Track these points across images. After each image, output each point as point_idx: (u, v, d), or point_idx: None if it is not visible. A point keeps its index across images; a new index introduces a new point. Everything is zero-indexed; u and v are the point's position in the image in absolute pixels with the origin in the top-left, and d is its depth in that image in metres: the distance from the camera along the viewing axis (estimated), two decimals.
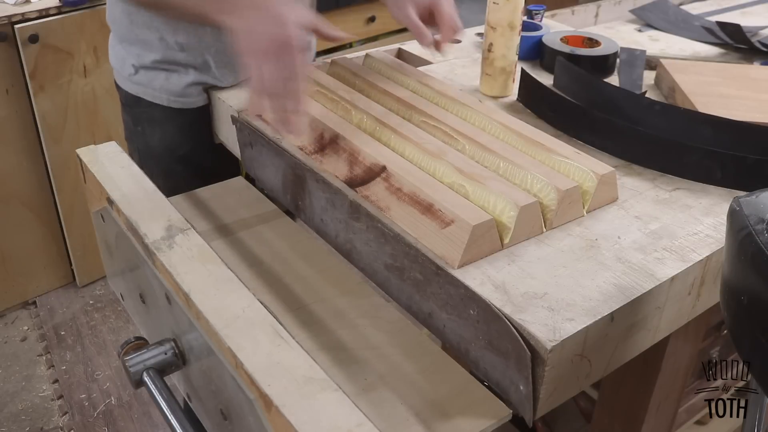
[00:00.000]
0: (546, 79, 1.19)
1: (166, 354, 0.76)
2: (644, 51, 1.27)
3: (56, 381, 1.88)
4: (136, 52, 1.08)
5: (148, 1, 0.95)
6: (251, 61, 0.78)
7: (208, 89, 1.09)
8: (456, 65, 1.23)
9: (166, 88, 1.08)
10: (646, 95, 1.07)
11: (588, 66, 1.18)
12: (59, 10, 1.84)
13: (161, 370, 0.74)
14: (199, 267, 0.72)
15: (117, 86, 1.15)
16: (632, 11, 1.52)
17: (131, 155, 1.13)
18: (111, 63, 1.15)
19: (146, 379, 0.73)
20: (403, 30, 2.63)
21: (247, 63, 0.78)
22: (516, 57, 1.10)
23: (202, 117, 1.12)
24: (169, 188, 1.05)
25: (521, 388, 0.65)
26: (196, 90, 1.09)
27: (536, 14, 1.36)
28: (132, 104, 1.12)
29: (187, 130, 1.12)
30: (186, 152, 1.13)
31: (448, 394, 0.71)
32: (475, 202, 0.75)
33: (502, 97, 1.12)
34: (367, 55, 1.12)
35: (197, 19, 0.91)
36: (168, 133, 1.12)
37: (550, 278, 0.71)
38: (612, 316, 0.67)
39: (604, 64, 1.19)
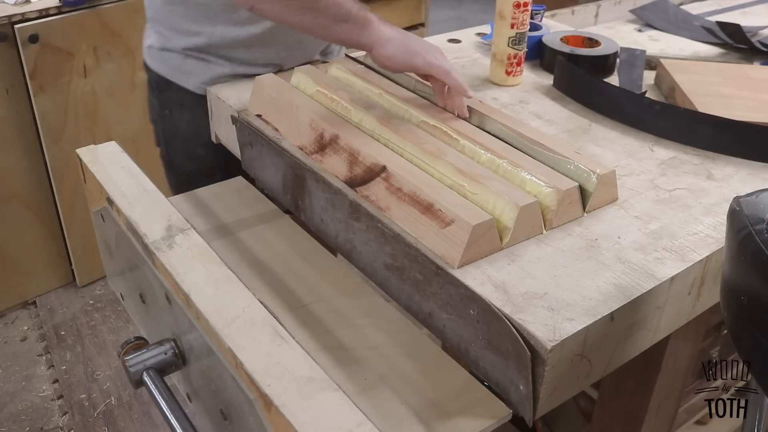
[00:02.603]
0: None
1: (166, 354, 0.76)
2: (644, 51, 1.27)
3: (56, 381, 1.88)
4: (169, 36, 1.11)
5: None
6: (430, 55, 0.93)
7: (207, 89, 1.10)
8: (456, 65, 1.23)
9: (196, 75, 1.12)
10: (646, 95, 1.07)
11: (588, 66, 1.18)
12: (59, 10, 1.84)
13: (161, 370, 0.74)
14: (199, 267, 0.72)
15: (147, 68, 1.18)
16: (632, 11, 1.52)
17: (156, 135, 1.22)
18: (145, 44, 1.18)
19: (146, 379, 0.73)
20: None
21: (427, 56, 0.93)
22: (508, 48, 1.12)
23: None
24: (192, 170, 1.16)
25: (521, 388, 0.65)
26: (222, 80, 1.12)
27: (536, 14, 1.36)
28: (162, 87, 1.16)
29: None
30: (209, 137, 1.16)
31: (448, 394, 0.71)
32: (475, 202, 0.75)
33: (503, 85, 1.15)
34: (367, 55, 1.12)
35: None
36: (196, 117, 1.15)
37: (550, 278, 0.71)
38: (612, 316, 0.67)
39: (604, 64, 1.19)
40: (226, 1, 1.05)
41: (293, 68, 1.12)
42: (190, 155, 1.18)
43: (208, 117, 1.14)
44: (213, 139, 1.15)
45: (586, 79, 1.09)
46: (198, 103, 1.14)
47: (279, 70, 1.15)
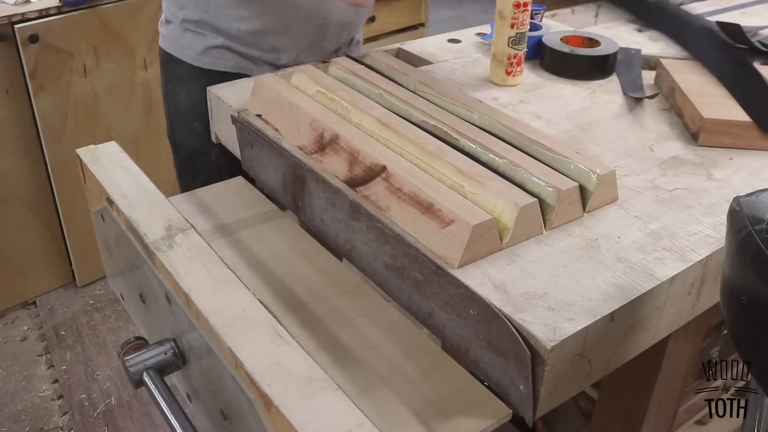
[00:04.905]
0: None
1: (166, 354, 0.76)
2: (639, 50, 1.27)
3: (56, 381, 1.88)
4: (171, 9, 1.18)
5: None
6: None
7: (207, 88, 1.10)
8: (456, 65, 1.23)
9: (192, 47, 1.16)
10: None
11: (588, 66, 1.18)
12: (59, 10, 1.84)
13: (161, 370, 0.74)
14: (199, 267, 0.72)
15: (160, 47, 1.25)
16: None
17: (166, 114, 1.27)
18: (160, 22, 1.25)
19: (146, 379, 0.73)
20: (403, 30, 2.63)
21: None
22: (508, 48, 1.12)
23: (224, 81, 1.16)
24: (191, 147, 1.20)
25: (521, 387, 0.65)
26: (217, 53, 1.16)
27: (536, 14, 1.36)
28: (165, 62, 1.22)
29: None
30: (204, 112, 1.17)
31: (448, 394, 0.71)
32: (475, 202, 0.75)
33: (503, 85, 1.15)
34: (366, 55, 1.12)
35: None
36: (193, 91, 1.18)
37: (550, 278, 0.71)
38: (612, 316, 0.67)
39: (604, 64, 1.19)
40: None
41: (291, 66, 1.13)
42: (190, 131, 1.21)
43: (203, 91, 1.16)
44: (213, 139, 1.15)
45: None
46: (193, 76, 1.17)
47: (276, 60, 1.18)
